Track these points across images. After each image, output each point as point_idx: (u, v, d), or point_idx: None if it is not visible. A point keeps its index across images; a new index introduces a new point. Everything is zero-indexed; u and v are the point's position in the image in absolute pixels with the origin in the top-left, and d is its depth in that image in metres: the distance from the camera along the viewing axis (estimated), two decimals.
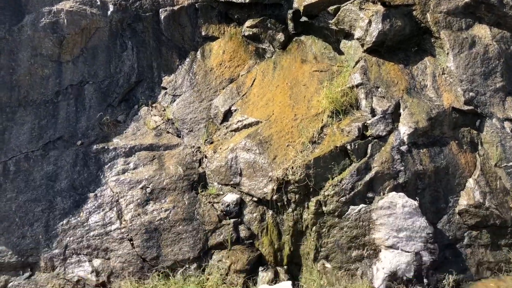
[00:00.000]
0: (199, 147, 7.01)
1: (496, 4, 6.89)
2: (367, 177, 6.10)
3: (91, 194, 6.44)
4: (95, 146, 6.85)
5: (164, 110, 7.44)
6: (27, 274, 6.03)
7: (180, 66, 7.77)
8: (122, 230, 6.17)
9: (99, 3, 7.65)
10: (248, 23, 7.84)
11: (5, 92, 6.91)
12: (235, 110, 7.26)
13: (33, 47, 7.19)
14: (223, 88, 7.56)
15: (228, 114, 7.30)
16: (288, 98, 7.04)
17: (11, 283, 5.96)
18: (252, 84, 7.46)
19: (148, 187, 6.46)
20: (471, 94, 6.59)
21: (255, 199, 6.37)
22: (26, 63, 7.10)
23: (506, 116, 6.50)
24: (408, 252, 5.78)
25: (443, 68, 6.81)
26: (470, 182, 6.23)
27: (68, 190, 6.46)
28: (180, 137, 7.20)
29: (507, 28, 6.99)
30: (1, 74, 6.96)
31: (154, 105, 7.51)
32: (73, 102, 7.20)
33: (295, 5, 7.69)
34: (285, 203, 6.24)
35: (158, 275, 5.87)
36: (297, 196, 6.20)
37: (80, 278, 5.95)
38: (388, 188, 6.08)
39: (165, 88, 7.65)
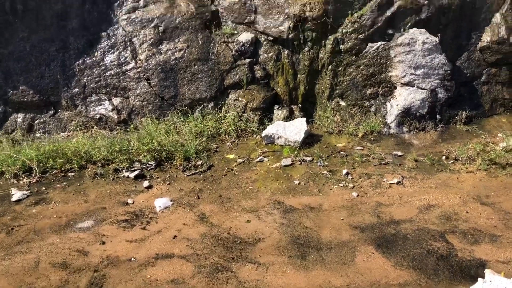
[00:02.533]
0: None
1: None
2: (389, 13, 5.82)
3: (104, 34, 6.31)
4: None
5: None
6: (51, 112, 6.25)
7: None
8: (138, 70, 6.19)
9: None
10: None
11: None
12: None
13: None
14: None
15: None
16: None
17: (37, 120, 6.22)
18: None
19: (160, 26, 6.28)
20: None
21: (270, 38, 6.21)
22: None
23: None
24: (424, 89, 5.79)
25: None
26: (497, 17, 5.94)
27: (80, 30, 6.32)
28: None
29: None
30: None
31: None
32: None
33: None
34: (302, 41, 6.09)
35: (177, 113, 6.04)
36: (314, 34, 6.02)
37: (102, 115, 6.16)
38: (409, 24, 5.84)
39: None
